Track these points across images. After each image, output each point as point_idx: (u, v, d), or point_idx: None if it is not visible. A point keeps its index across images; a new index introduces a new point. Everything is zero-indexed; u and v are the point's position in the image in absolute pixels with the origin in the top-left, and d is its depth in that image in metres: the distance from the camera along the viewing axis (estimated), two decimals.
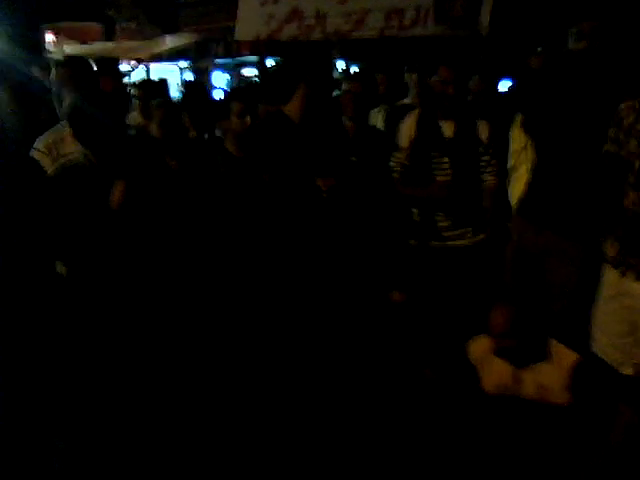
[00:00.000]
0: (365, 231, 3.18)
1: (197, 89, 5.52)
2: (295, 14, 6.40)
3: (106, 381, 2.93)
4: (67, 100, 3.31)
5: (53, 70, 3.85)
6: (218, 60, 11.29)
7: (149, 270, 3.08)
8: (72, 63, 3.91)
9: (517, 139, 3.57)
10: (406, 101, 4.74)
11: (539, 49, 4.36)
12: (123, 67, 10.04)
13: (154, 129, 3.49)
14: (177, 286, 3.13)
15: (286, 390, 3.11)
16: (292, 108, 3.33)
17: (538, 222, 3.08)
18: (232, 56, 11.47)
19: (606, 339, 2.67)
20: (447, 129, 3.49)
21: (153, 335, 3.04)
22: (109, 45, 9.47)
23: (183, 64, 12.05)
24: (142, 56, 9.47)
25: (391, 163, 3.61)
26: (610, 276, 2.74)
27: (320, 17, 6.04)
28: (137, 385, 2.99)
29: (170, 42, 9.12)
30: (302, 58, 3.77)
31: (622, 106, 2.53)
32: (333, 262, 3.14)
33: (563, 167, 3.02)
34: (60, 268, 3.14)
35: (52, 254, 3.07)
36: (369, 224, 3.20)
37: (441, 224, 3.50)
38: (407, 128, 3.61)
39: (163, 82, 5.26)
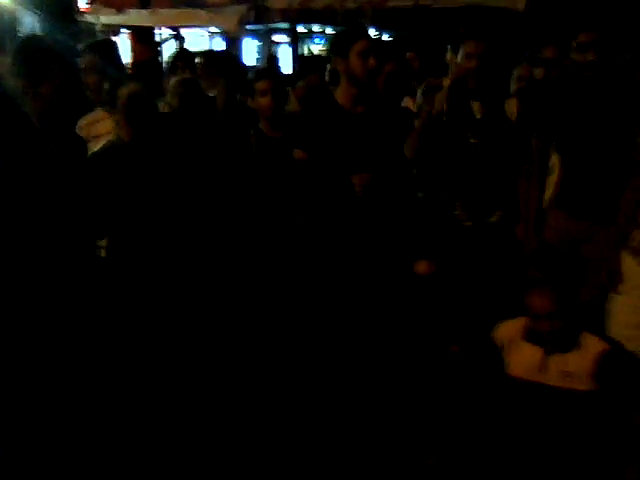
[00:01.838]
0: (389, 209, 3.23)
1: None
2: None
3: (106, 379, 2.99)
4: (106, 85, 3.38)
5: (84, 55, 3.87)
6: (249, 27, 11.24)
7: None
8: (100, 49, 3.95)
9: None
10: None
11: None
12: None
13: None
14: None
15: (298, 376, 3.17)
16: (342, 93, 3.26)
17: (575, 212, 3.19)
18: (263, 23, 11.42)
19: (619, 330, 2.82)
20: (476, 110, 3.40)
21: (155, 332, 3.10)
22: (145, 13, 9.54)
23: (213, 29, 12.03)
24: (177, 25, 9.55)
25: None
26: (629, 264, 2.90)
27: None
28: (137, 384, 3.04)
29: (206, 15, 9.19)
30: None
31: None
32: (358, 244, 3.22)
33: (595, 163, 3.14)
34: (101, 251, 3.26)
35: (94, 233, 3.22)
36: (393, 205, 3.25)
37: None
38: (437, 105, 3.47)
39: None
